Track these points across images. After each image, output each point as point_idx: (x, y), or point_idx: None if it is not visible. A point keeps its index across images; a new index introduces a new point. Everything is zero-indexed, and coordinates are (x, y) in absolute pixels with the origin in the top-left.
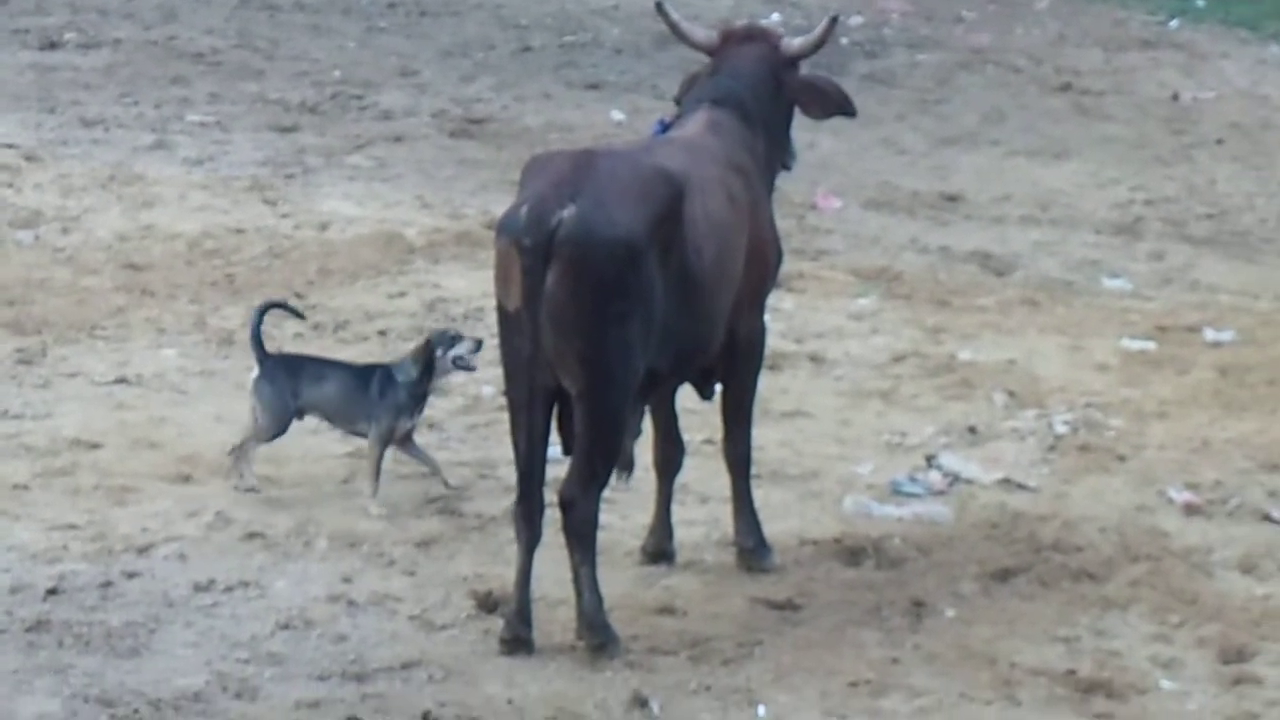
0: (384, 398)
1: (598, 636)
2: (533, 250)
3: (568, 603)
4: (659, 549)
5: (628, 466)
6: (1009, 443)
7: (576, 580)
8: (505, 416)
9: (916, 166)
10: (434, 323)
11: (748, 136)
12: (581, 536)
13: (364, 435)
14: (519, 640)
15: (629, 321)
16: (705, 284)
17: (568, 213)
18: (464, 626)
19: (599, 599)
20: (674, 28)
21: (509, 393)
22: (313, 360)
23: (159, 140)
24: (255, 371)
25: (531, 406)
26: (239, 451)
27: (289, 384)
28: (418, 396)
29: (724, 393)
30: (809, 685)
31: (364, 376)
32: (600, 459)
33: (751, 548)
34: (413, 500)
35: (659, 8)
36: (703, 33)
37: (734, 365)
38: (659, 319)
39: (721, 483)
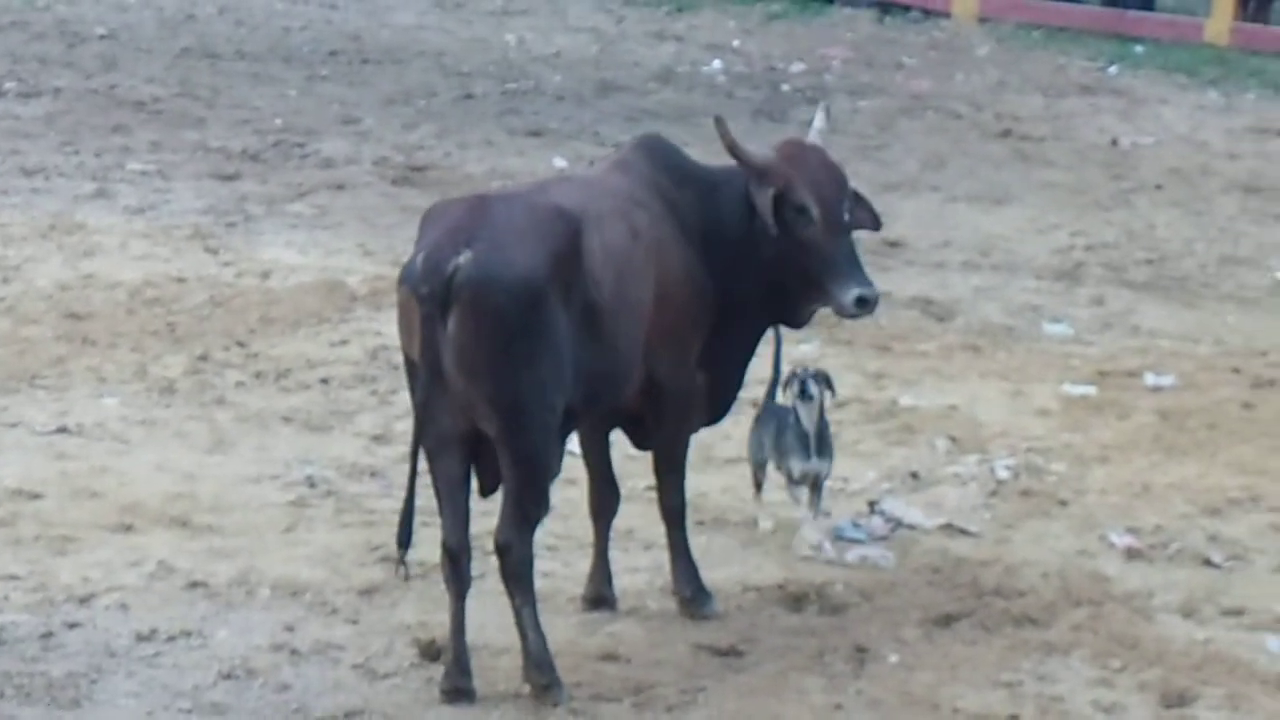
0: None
1: (544, 676)
2: (430, 298)
3: (511, 650)
4: (598, 595)
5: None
6: (951, 488)
7: (519, 622)
8: None
9: None
10: (376, 370)
11: (660, 181)
12: (520, 579)
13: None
14: (459, 690)
15: (537, 361)
16: (606, 315)
17: (464, 258)
18: (407, 675)
19: (543, 639)
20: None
21: (423, 442)
22: None
23: (100, 189)
24: None
25: (446, 453)
26: None
27: None
28: (801, 435)
29: (654, 443)
30: None
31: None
32: (530, 500)
33: (690, 596)
34: (355, 549)
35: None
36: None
37: (660, 414)
38: (569, 355)
39: (664, 529)
